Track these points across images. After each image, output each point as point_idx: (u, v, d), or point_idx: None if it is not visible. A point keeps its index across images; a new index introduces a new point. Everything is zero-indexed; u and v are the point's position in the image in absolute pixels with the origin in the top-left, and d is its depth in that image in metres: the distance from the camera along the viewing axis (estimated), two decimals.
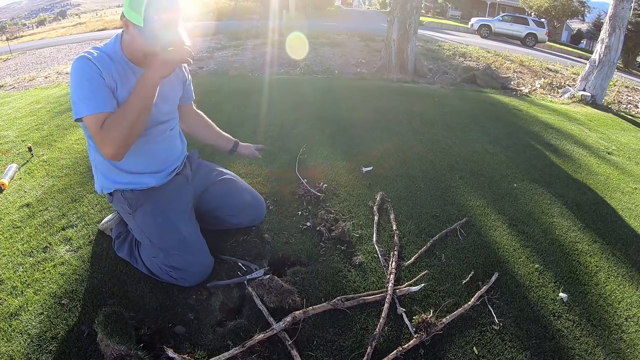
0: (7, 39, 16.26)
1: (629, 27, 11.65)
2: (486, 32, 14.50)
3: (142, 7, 1.09)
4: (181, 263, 1.27)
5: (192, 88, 1.52)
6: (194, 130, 1.59)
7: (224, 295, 1.29)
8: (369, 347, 1.11)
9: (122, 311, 1.18)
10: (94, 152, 1.28)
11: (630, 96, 6.54)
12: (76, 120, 1.13)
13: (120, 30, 1.23)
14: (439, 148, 2.69)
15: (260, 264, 1.44)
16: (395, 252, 1.53)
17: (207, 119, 1.62)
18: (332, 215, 1.75)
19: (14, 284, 1.33)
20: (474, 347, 1.18)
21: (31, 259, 1.46)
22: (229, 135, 1.62)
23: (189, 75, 1.49)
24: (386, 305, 1.25)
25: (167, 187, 1.35)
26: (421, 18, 10.74)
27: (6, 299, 1.27)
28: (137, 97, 1.11)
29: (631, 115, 4.85)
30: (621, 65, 13.58)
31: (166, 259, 1.27)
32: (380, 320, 1.20)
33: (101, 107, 1.09)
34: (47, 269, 1.40)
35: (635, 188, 2.43)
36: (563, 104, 4.87)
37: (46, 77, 5.55)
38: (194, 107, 1.59)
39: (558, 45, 16.92)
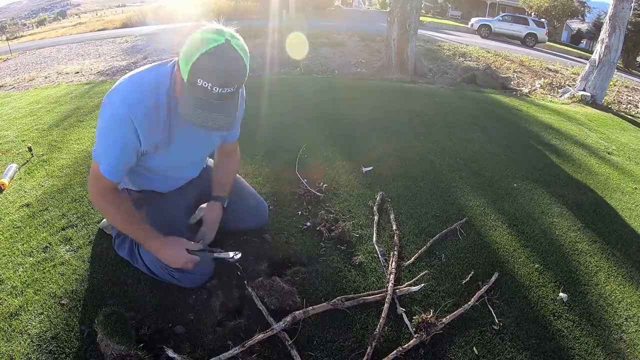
0: (7, 39, 16.27)
1: (629, 27, 11.65)
2: (486, 32, 14.49)
3: (192, 60, 0.91)
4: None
5: (239, 126, 1.36)
6: (214, 165, 1.44)
7: (224, 295, 1.29)
8: (369, 347, 1.11)
9: (122, 311, 1.18)
10: None
11: (630, 96, 6.54)
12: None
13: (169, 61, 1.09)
14: (439, 148, 2.69)
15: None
16: (395, 252, 1.53)
17: (233, 166, 1.43)
18: (332, 215, 1.75)
19: (14, 284, 1.33)
20: (474, 347, 1.18)
21: (31, 259, 1.46)
22: (224, 191, 1.39)
23: (241, 110, 1.31)
24: (386, 305, 1.25)
25: (174, 190, 1.36)
26: (421, 18, 10.73)
27: (6, 299, 1.27)
28: (132, 230, 1.18)
29: (631, 115, 4.85)
30: (621, 65, 13.58)
31: None
32: (380, 320, 1.20)
33: (112, 175, 1.07)
34: (47, 269, 1.40)
35: (635, 188, 2.43)
36: (563, 104, 4.87)
37: (46, 77, 5.54)
38: (236, 148, 1.43)
39: (558, 45, 16.92)
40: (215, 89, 0.92)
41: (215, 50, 0.90)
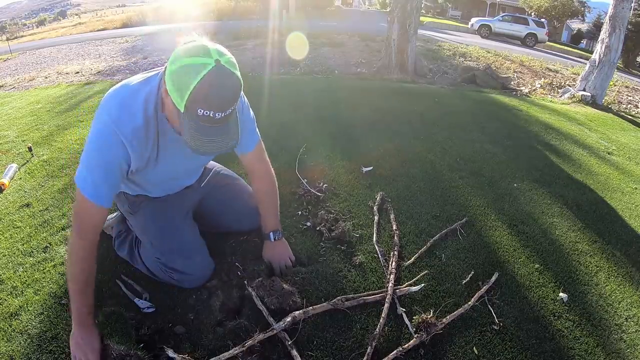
0: (7, 39, 16.28)
1: (629, 27, 11.64)
2: (486, 32, 14.49)
3: (187, 94, 0.86)
4: (182, 266, 1.27)
5: (249, 135, 1.28)
6: (255, 194, 1.44)
7: (224, 295, 1.29)
8: (369, 347, 1.11)
9: (122, 311, 1.18)
10: None
11: (630, 96, 6.54)
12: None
13: (154, 72, 1.06)
14: (439, 148, 2.69)
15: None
16: (395, 252, 1.53)
17: (269, 192, 1.41)
18: (332, 215, 1.75)
19: (14, 284, 1.33)
20: (474, 347, 1.18)
21: (31, 259, 1.46)
22: (273, 224, 1.43)
23: (251, 117, 1.26)
24: (386, 305, 1.25)
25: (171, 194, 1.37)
26: (421, 18, 10.74)
27: (6, 299, 1.27)
28: (72, 291, 1.03)
29: (631, 115, 4.85)
30: (621, 65, 13.58)
31: (167, 261, 1.27)
32: (380, 320, 1.20)
33: (98, 200, 1.00)
34: (47, 269, 1.40)
35: (635, 188, 2.43)
36: (563, 104, 4.87)
37: (46, 77, 5.55)
38: (262, 160, 1.38)
39: (558, 45, 16.93)
40: (218, 114, 0.89)
41: (208, 76, 0.85)
